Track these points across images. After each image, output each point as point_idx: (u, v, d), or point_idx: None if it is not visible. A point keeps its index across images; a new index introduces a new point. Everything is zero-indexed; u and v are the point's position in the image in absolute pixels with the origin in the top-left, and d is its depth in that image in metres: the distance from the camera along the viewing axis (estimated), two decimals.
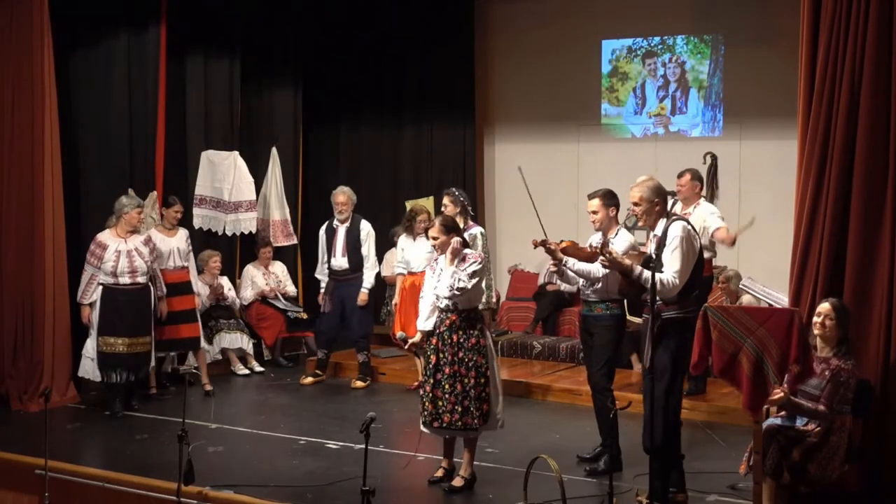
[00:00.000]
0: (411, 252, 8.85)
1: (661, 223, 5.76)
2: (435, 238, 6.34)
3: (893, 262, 5.70)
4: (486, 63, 11.49)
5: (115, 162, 9.38)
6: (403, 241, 9.00)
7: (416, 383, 9.03)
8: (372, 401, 8.64)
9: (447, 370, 6.15)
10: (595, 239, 6.58)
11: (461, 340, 6.16)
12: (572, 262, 6.37)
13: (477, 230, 8.43)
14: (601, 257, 5.81)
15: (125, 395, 8.20)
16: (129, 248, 8.08)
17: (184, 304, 8.72)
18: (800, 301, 5.85)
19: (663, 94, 10.78)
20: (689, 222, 5.80)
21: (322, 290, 9.27)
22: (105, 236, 8.14)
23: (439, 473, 6.39)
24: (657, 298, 5.62)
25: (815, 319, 5.48)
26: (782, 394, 5.23)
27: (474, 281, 6.12)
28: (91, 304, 8.11)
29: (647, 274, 5.60)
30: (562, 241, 6.31)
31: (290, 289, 10.29)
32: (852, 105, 5.77)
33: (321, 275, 9.29)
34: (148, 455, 7.02)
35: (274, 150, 10.65)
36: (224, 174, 9.96)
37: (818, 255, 5.87)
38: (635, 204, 5.81)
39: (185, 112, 9.94)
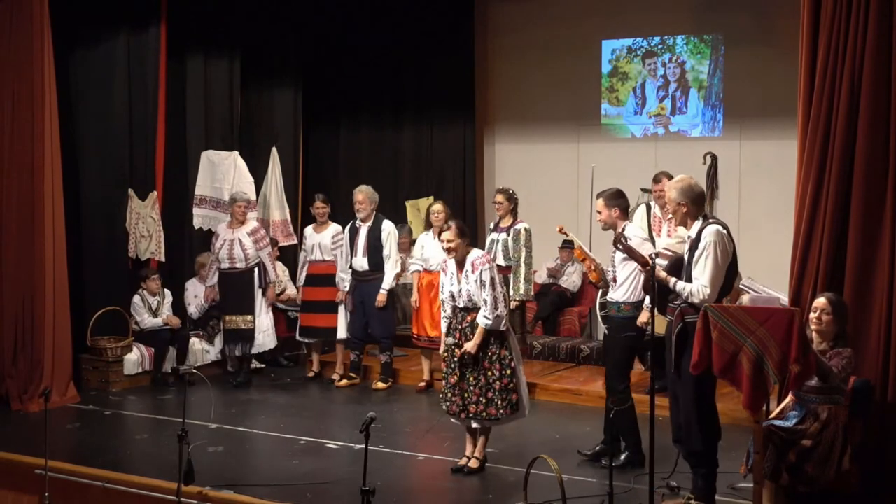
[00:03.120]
0: (431, 250, 8.81)
1: (697, 224, 5.70)
2: (450, 241, 6.43)
3: (893, 262, 5.70)
4: (486, 63, 11.48)
5: (115, 162, 9.40)
6: (423, 238, 9.02)
7: (422, 384, 9.02)
8: (372, 401, 8.64)
9: (472, 364, 6.34)
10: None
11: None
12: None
13: (522, 226, 8.49)
14: (644, 268, 5.80)
15: (232, 363, 9.43)
16: (233, 237, 9.11)
17: (323, 295, 9.29)
18: (800, 301, 5.85)
19: (663, 94, 10.77)
20: (724, 225, 5.68)
21: (345, 290, 9.27)
22: (221, 227, 9.31)
23: (462, 461, 6.53)
24: (681, 302, 5.63)
25: (812, 315, 5.47)
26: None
27: (502, 307, 6.29)
28: (213, 286, 9.26)
29: (680, 286, 5.61)
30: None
31: (290, 291, 10.26)
32: (852, 105, 5.77)
33: (345, 273, 9.27)
34: (148, 455, 7.02)
35: (274, 150, 10.64)
36: (224, 174, 9.95)
37: (818, 255, 5.87)
38: (669, 202, 5.82)
39: (185, 112, 9.95)
